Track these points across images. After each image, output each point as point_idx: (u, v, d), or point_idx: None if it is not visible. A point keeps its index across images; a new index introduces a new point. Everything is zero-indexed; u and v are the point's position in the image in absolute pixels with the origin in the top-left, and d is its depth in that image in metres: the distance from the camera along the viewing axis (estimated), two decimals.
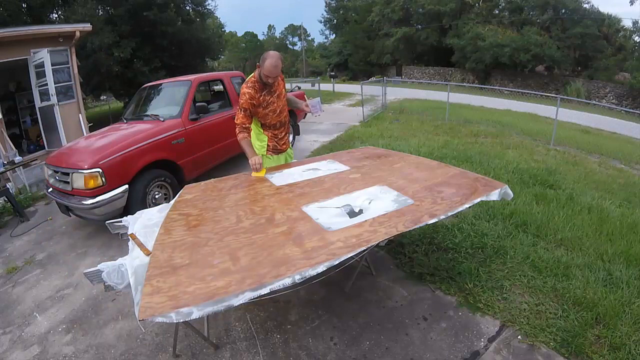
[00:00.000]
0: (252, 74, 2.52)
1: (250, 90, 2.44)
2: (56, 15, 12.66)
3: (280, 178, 2.58)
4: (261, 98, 2.49)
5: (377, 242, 1.63)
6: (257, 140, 2.71)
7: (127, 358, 2.02)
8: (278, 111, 2.61)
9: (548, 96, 12.96)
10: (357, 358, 1.90)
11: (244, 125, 2.52)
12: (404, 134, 7.41)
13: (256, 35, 62.02)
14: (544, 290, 2.28)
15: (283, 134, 2.76)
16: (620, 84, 21.44)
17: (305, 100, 2.82)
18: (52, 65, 6.58)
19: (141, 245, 1.74)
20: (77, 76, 7.19)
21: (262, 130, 2.69)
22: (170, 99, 4.53)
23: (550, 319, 2.05)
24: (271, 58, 2.32)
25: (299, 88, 7.46)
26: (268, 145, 2.72)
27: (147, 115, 4.30)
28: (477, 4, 26.06)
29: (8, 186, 4.32)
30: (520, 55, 22.11)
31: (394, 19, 29.73)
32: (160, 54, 13.91)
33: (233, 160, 5.35)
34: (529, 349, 1.89)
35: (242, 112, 2.49)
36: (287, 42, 64.02)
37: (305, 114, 7.26)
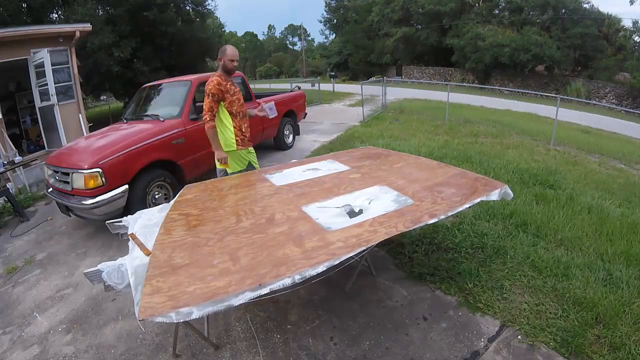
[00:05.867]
0: None
1: None
2: (56, 15, 12.63)
3: (280, 178, 2.58)
4: None
5: (377, 242, 1.64)
6: None
7: (127, 358, 2.02)
8: None
9: (548, 96, 12.97)
10: (357, 358, 1.90)
11: None
12: (404, 134, 7.41)
13: (256, 35, 62.14)
14: (544, 290, 2.28)
15: None
16: (620, 84, 21.44)
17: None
18: (52, 65, 6.59)
19: (141, 245, 1.74)
20: (77, 76, 7.19)
21: None
22: (171, 99, 4.52)
23: (550, 319, 2.05)
24: (232, 47, 2.72)
25: (299, 88, 7.45)
26: None
27: (147, 115, 4.30)
28: (477, 4, 26.06)
29: (8, 186, 4.33)
30: (520, 55, 22.11)
31: (394, 19, 29.72)
32: (160, 54, 13.92)
33: None
34: (529, 348, 1.88)
35: None
36: (287, 42, 64.03)
37: (305, 115, 7.29)
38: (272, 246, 1.62)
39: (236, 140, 2.83)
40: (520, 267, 2.52)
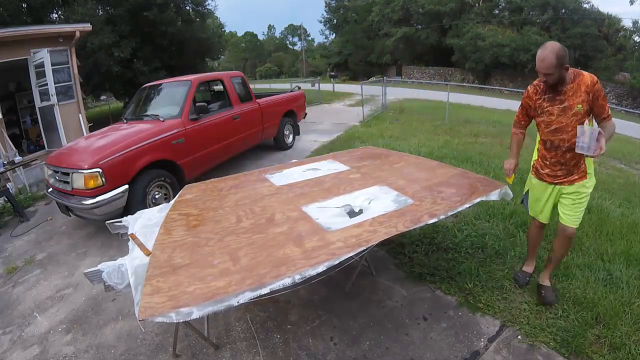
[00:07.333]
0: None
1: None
2: (56, 15, 12.63)
3: (280, 178, 2.58)
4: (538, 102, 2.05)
5: (377, 242, 1.64)
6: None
7: (127, 358, 2.02)
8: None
9: None
10: (357, 358, 1.90)
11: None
12: (404, 134, 7.41)
13: (256, 35, 62.14)
14: None
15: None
16: (620, 84, 21.47)
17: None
18: (52, 65, 6.58)
19: (141, 245, 1.74)
20: (77, 76, 7.19)
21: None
22: (170, 99, 4.52)
23: (550, 319, 2.05)
24: (542, 49, 1.83)
25: (299, 88, 7.45)
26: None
27: (147, 115, 4.29)
28: (477, 4, 26.10)
29: (8, 186, 4.33)
30: (520, 55, 22.15)
31: (394, 19, 29.76)
32: (160, 54, 13.91)
33: (233, 160, 5.35)
34: (529, 348, 1.88)
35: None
36: (287, 42, 64.04)
37: (305, 115, 7.29)
38: (272, 246, 1.62)
39: (533, 165, 2.27)
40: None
